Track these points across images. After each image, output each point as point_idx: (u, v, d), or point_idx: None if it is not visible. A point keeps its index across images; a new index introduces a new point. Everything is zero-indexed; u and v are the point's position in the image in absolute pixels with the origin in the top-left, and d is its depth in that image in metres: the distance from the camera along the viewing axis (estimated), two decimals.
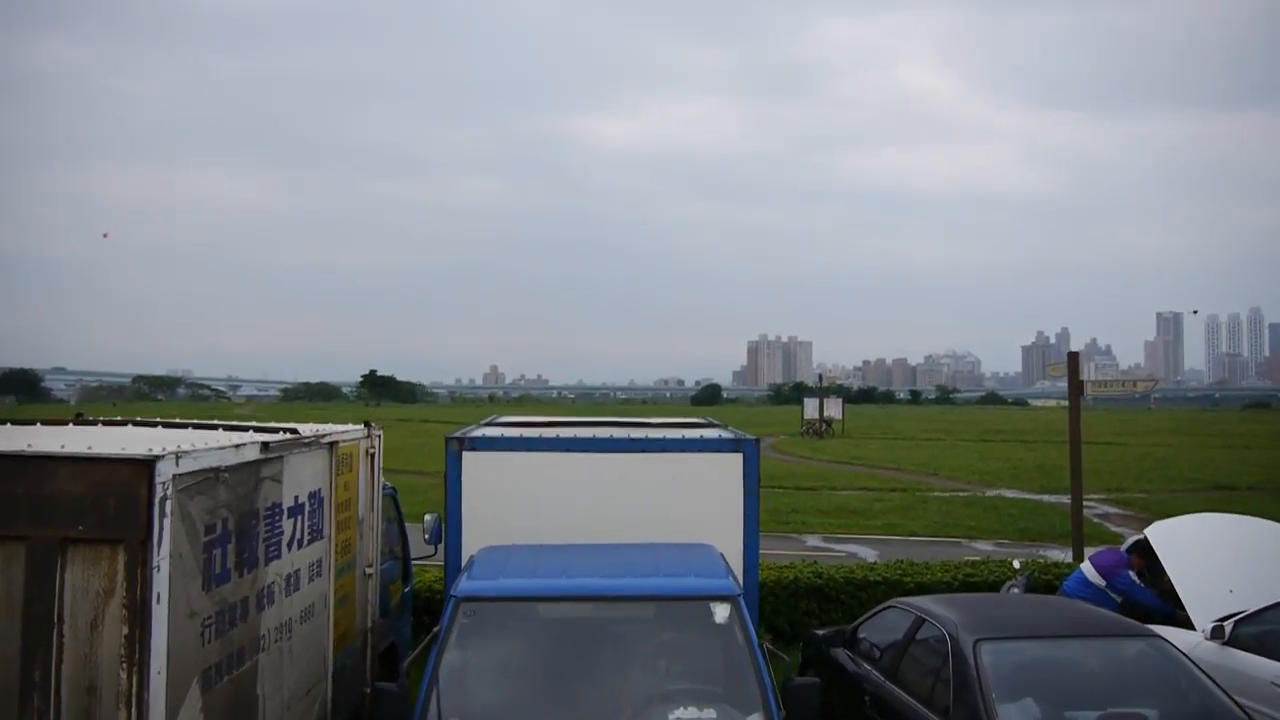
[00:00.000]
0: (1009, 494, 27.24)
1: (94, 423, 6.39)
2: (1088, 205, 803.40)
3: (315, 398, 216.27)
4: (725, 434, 6.65)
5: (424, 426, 63.85)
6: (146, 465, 3.83)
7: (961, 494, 26.94)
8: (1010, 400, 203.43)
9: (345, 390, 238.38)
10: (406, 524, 8.74)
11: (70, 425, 6.26)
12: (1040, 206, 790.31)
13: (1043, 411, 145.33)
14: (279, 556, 5.29)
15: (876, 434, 54.98)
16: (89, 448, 3.97)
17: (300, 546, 5.66)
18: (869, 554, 19.12)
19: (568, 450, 6.42)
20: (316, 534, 5.96)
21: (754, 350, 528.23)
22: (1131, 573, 8.28)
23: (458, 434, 6.49)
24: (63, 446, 3.98)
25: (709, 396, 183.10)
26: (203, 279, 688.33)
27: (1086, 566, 8.66)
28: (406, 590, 8.61)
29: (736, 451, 6.43)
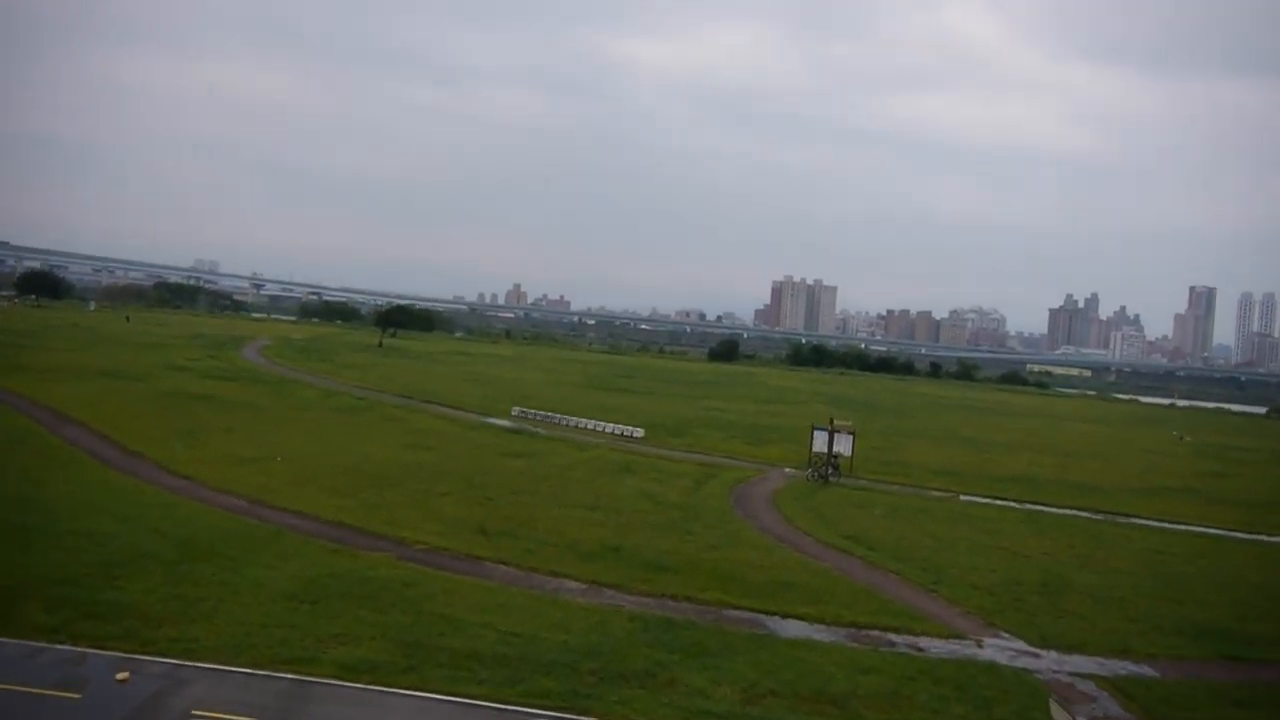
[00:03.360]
0: (1004, 657, 25.73)
1: None
2: (1130, 167, 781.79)
3: (334, 317, 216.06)
4: None
5: (424, 431, 58.80)
6: None
7: (952, 657, 25.45)
8: (1031, 377, 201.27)
9: (364, 311, 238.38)
10: None
11: None
12: (1080, 165, 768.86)
13: (1065, 406, 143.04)
14: None
15: (885, 475, 53.60)
16: None
17: None
18: None
19: None
20: None
21: (778, 291, 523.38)
22: None
23: None
24: None
25: (726, 352, 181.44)
26: (234, 172, 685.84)
27: None
28: None
29: None
